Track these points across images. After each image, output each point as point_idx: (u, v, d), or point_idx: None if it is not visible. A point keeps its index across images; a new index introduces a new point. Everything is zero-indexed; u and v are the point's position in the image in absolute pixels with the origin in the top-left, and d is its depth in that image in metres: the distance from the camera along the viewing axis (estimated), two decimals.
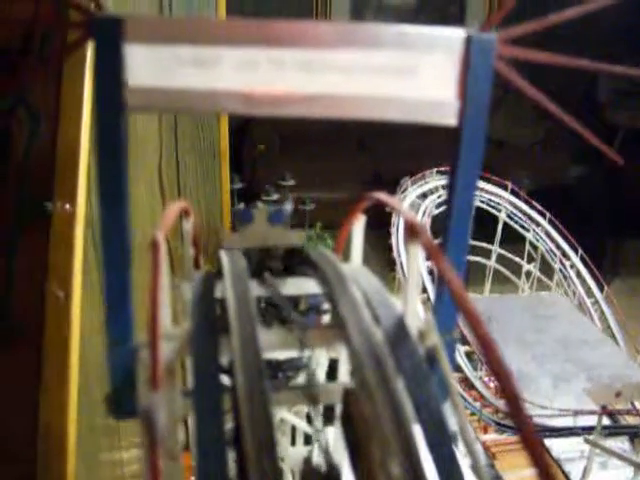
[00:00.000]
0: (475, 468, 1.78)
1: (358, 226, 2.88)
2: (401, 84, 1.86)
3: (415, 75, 1.85)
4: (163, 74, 1.78)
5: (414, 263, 2.08)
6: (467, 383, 15.41)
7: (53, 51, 3.02)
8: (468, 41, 1.84)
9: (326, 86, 1.84)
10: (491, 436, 13.58)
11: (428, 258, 1.83)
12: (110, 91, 1.76)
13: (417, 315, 2.16)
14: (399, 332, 2.12)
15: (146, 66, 1.76)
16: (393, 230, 18.62)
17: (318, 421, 2.30)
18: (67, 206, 3.91)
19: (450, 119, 1.89)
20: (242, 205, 3.50)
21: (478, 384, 15.51)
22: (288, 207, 3.58)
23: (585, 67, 1.98)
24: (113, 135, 1.81)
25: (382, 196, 2.36)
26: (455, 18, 28.14)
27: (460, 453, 1.86)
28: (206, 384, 1.98)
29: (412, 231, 1.94)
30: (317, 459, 2.20)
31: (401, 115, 1.88)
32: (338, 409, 2.29)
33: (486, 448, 12.52)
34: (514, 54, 1.88)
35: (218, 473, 1.76)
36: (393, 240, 18.38)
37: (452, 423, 1.96)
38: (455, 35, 1.85)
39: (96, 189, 1.90)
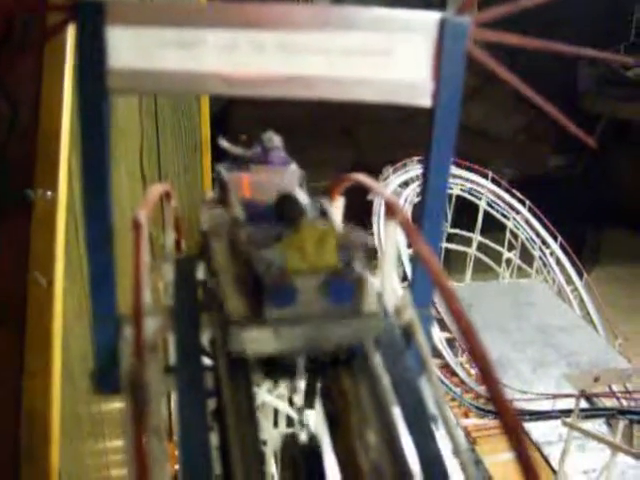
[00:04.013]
0: (455, 449, 1.83)
1: (337, 207, 2.92)
2: (377, 66, 1.91)
3: (390, 57, 1.90)
4: (145, 56, 1.81)
5: (391, 240, 2.14)
6: (448, 369, 15.54)
7: (34, 36, 3.00)
8: (442, 24, 1.89)
9: (304, 67, 1.89)
10: (472, 421, 13.74)
11: (409, 245, 1.88)
12: (93, 74, 1.79)
13: (394, 291, 2.22)
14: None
15: (128, 48, 1.79)
16: (374, 219, 18.65)
17: (299, 398, 2.35)
18: (48, 193, 3.89)
19: (424, 100, 1.94)
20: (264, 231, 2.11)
21: (459, 370, 15.66)
22: (361, 246, 2.09)
23: (560, 50, 2.03)
24: (96, 118, 1.85)
25: (360, 177, 2.41)
26: (436, 2, 28.01)
27: (440, 434, 1.92)
28: (189, 360, 2.03)
29: (389, 209, 1.99)
30: (298, 435, 2.25)
31: (377, 96, 1.93)
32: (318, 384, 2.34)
33: (467, 433, 12.66)
34: (487, 37, 1.93)
35: (201, 449, 1.81)
36: (374, 228, 18.41)
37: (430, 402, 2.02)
38: (429, 18, 1.90)
39: (78, 174, 1.93)
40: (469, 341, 1.28)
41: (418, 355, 2.09)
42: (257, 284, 1.92)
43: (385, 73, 1.91)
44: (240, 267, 2.10)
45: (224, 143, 2.91)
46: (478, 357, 1.25)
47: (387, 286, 2.19)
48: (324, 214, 2.37)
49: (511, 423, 1.16)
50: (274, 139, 3.17)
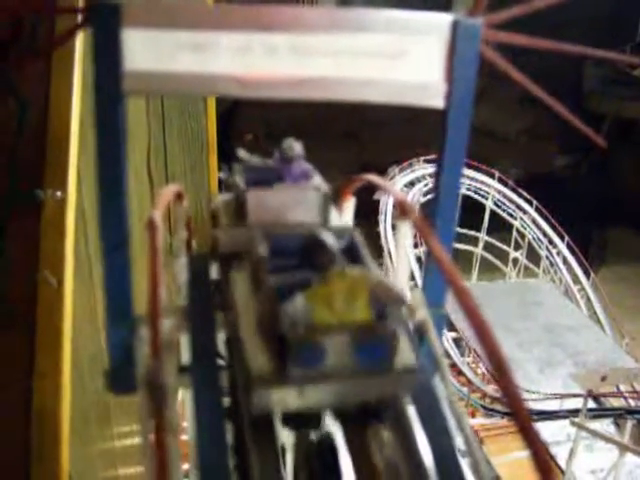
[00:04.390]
0: (466, 444, 1.83)
1: (348, 207, 2.92)
2: (389, 67, 1.92)
3: (403, 59, 1.92)
4: (160, 58, 1.82)
5: (403, 241, 2.15)
6: (455, 369, 15.52)
7: (47, 39, 3.02)
8: (455, 26, 1.90)
9: (317, 69, 1.90)
10: (479, 420, 13.72)
11: (416, 245, 1.89)
12: (109, 77, 1.81)
13: (406, 291, 2.23)
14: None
15: (144, 51, 1.81)
16: (381, 218, 18.65)
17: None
18: (58, 193, 3.91)
19: (437, 101, 1.96)
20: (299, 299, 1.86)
21: (466, 369, 15.64)
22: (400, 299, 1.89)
23: (568, 51, 2.04)
24: (112, 121, 1.86)
25: (372, 177, 2.42)
26: (442, 3, 27.97)
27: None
28: (204, 360, 2.04)
29: (402, 209, 2.00)
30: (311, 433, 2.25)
31: (390, 97, 1.95)
32: None
33: (474, 432, 12.63)
34: (499, 38, 1.94)
35: (218, 449, 1.82)
36: (381, 227, 18.41)
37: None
38: (442, 20, 1.91)
39: (87, 174, 1.94)
40: (485, 342, 1.28)
41: (431, 354, 2.10)
42: (281, 341, 1.77)
43: (397, 74, 1.92)
44: (263, 313, 1.97)
45: (241, 153, 2.81)
46: (494, 359, 1.25)
47: (399, 286, 2.21)
48: (355, 256, 2.14)
49: (525, 422, 1.17)
50: (294, 147, 2.82)
